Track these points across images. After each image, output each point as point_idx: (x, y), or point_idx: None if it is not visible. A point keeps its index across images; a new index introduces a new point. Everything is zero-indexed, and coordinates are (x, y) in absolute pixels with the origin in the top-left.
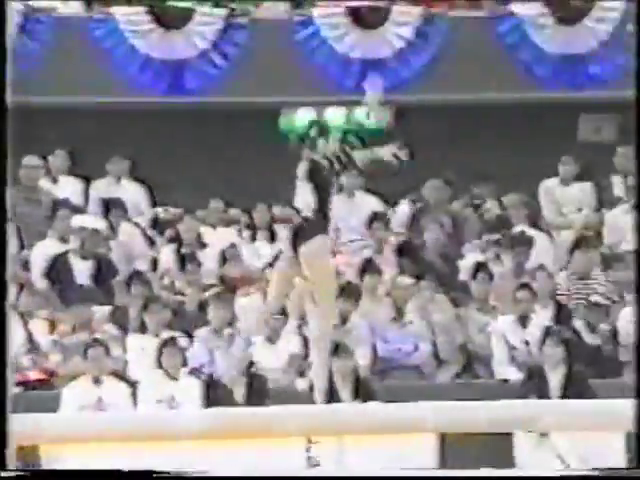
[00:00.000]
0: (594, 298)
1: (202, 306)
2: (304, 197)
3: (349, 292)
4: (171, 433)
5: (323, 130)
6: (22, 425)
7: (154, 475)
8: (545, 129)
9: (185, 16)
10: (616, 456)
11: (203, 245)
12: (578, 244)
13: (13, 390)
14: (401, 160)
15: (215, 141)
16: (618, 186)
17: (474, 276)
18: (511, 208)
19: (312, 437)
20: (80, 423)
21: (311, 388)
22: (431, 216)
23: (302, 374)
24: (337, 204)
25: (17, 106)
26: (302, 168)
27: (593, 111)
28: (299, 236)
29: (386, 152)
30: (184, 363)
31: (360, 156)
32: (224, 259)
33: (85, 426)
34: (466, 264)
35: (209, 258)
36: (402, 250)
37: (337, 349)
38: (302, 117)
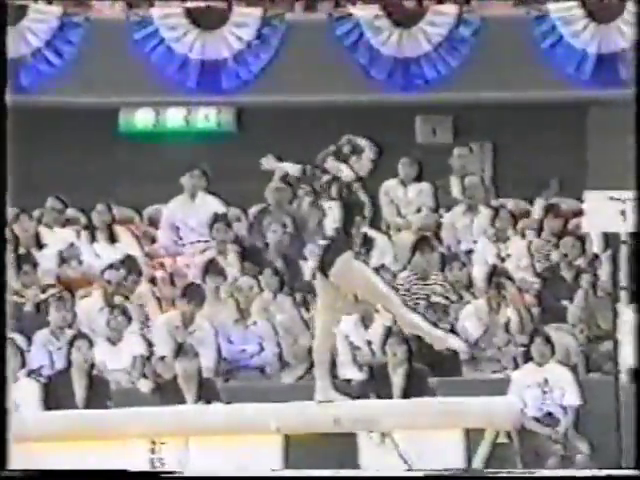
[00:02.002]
0: (433, 298)
1: (40, 307)
2: (332, 216)
3: (192, 293)
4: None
5: (356, 147)
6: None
7: (154, 475)
8: (383, 130)
9: (18, 13)
10: (455, 455)
11: (41, 245)
12: (418, 245)
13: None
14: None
15: (51, 140)
16: (455, 187)
17: (316, 277)
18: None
19: (156, 439)
20: None
21: (154, 390)
22: (273, 217)
23: (145, 375)
24: (177, 204)
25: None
26: (334, 188)
27: (429, 113)
28: (324, 259)
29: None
30: (22, 365)
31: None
32: (62, 260)
33: None
34: (309, 265)
35: (47, 258)
36: (245, 251)
37: (181, 350)
38: (142, 117)
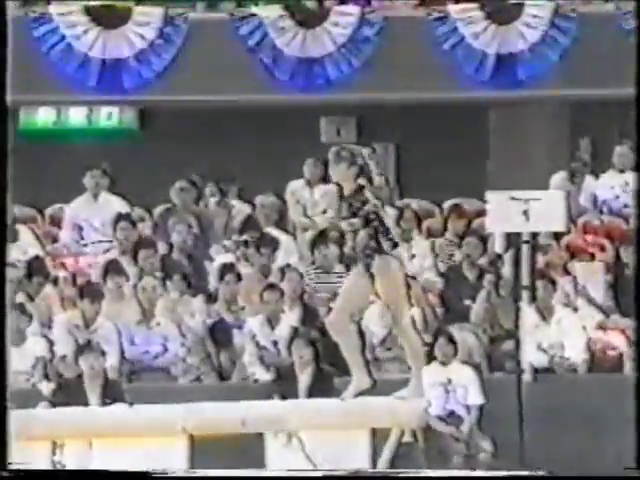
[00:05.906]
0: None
1: None
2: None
3: (94, 293)
4: None
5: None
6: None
7: (153, 475)
8: (288, 131)
9: None
10: (361, 454)
11: None
12: (316, 241)
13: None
14: None
15: None
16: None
17: (222, 277)
18: (261, 209)
19: (58, 440)
20: None
21: (56, 391)
22: (178, 217)
23: (47, 377)
24: (80, 204)
25: None
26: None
27: (332, 114)
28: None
29: None
30: None
31: None
32: None
33: None
34: (214, 265)
35: None
36: (149, 251)
37: (86, 347)
38: (43, 116)
